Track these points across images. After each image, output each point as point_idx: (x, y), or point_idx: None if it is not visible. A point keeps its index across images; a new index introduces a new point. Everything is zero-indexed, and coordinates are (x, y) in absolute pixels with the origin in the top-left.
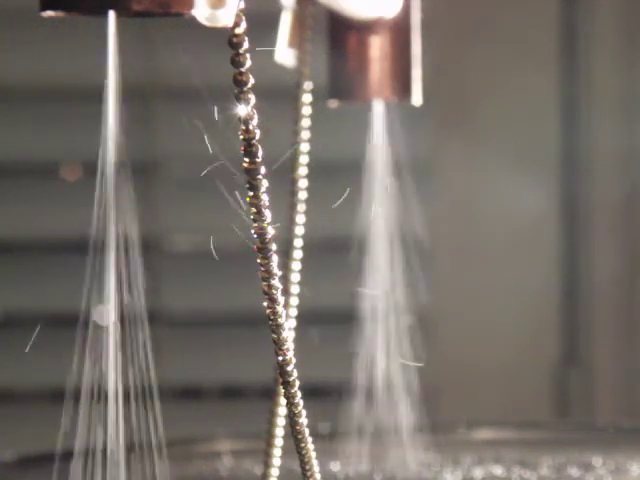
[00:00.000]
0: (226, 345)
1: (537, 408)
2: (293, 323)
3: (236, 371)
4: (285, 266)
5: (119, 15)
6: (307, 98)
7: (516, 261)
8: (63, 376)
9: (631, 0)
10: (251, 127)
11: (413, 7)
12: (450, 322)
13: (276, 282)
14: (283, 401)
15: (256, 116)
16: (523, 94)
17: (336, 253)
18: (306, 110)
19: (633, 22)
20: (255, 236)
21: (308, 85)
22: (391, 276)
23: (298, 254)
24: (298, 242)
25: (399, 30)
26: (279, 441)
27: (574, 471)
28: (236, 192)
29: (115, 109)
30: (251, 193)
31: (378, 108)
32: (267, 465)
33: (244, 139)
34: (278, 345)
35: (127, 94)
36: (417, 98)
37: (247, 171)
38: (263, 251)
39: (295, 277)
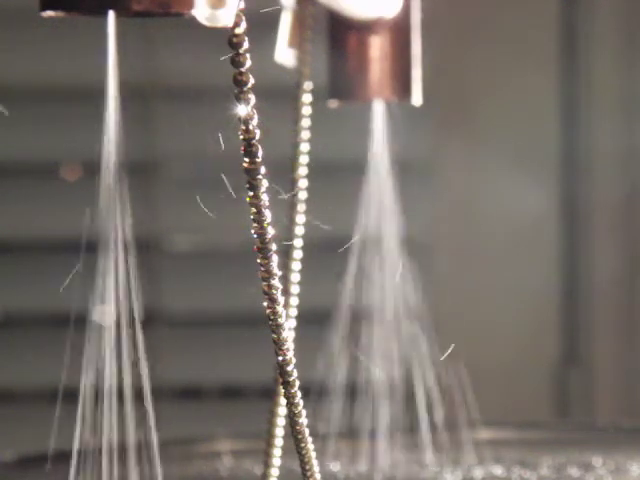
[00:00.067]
0: (226, 345)
1: (537, 408)
2: (293, 323)
3: (236, 371)
4: (285, 266)
5: (119, 15)
6: (307, 98)
7: (516, 261)
8: (63, 376)
9: (631, 0)
10: (251, 127)
11: (413, 7)
12: (450, 322)
13: (276, 282)
14: (283, 401)
15: (256, 116)
16: (523, 94)
17: (336, 253)
18: (306, 110)
19: (633, 22)
20: (255, 236)
21: (308, 85)
22: (391, 276)
23: (298, 254)
24: (298, 242)
25: (399, 30)
26: (279, 441)
27: (574, 471)
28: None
29: (115, 109)
30: (251, 193)
31: (378, 108)
32: (267, 465)
33: (244, 139)
34: (278, 345)
35: (127, 94)
36: (417, 98)
37: (247, 171)
38: (263, 251)
39: (295, 277)
